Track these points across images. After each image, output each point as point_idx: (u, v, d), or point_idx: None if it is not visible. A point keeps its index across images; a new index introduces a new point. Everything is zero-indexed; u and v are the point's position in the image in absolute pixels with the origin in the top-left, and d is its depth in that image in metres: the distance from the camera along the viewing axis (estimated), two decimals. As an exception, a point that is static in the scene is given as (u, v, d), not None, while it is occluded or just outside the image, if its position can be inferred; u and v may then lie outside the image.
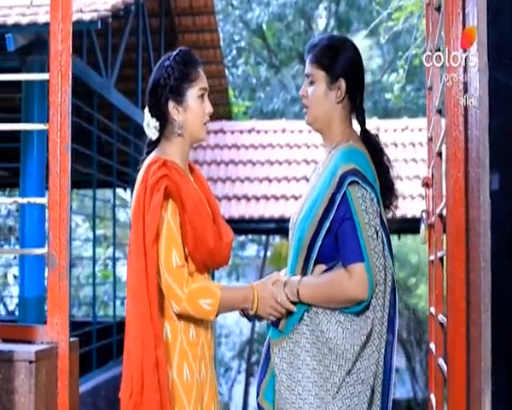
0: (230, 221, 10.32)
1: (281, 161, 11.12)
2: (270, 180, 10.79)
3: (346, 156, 2.34)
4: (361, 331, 2.27)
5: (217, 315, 2.31)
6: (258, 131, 11.73)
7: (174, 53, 2.42)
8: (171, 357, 2.29)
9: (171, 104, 2.38)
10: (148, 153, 2.44)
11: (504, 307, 2.22)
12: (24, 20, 5.92)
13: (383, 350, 2.32)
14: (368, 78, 19.35)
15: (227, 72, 18.49)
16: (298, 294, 2.30)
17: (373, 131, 2.50)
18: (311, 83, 2.44)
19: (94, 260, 8.36)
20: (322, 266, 2.34)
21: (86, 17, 5.98)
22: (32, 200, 2.57)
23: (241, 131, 11.84)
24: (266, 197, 10.47)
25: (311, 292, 2.30)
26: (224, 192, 10.63)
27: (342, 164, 2.31)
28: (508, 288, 2.24)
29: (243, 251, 18.42)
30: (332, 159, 2.39)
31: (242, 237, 17.38)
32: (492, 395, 2.21)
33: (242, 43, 19.70)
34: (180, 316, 2.31)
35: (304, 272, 2.34)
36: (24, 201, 2.61)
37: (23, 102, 6.32)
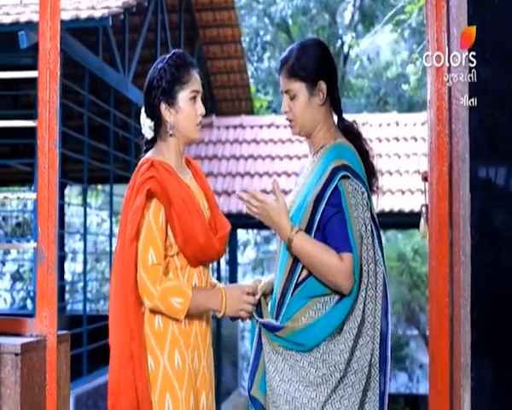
0: (248, 216, 10.40)
1: (300, 155, 11.07)
2: (288, 175, 10.76)
3: (336, 153, 2.37)
4: (351, 325, 2.29)
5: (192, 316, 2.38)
6: (278, 126, 11.68)
7: (168, 55, 2.47)
8: (162, 345, 2.34)
9: (163, 106, 2.43)
10: (146, 151, 2.50)
11: (485, 303, 2.21)
12: (37, 18, 5.97)
13: (378, 341, 2.34)
14: (393, 71, 19.22)
15: (252, 66, 18.55)
16: (290, 241, 2.30)
17: (350, 119, 2.53)
18: (293, 97, 2.43)
19: (111, 254, 8.44)
20: None
21: (97, 14, 6.02)
22: (22, 195, 2.61)
23: (261, 126, 11.81)
24: (285, 192, 10.47)
25: (306, 245, 2.29)
26: (242, 187, 10.64)
27: (333, 160, 2.34)
28: (488, 283, 2.22)
29: (268, 246, 18.44)
30: (321, 157, 2.41)
31: (267, 232, 17.38)
32: (472, 390, 2.20)
33: (268, 37, 19.70)
34: None
35: (292, 271, 2.36)
36: (14, 197, 2.65)
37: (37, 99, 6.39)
